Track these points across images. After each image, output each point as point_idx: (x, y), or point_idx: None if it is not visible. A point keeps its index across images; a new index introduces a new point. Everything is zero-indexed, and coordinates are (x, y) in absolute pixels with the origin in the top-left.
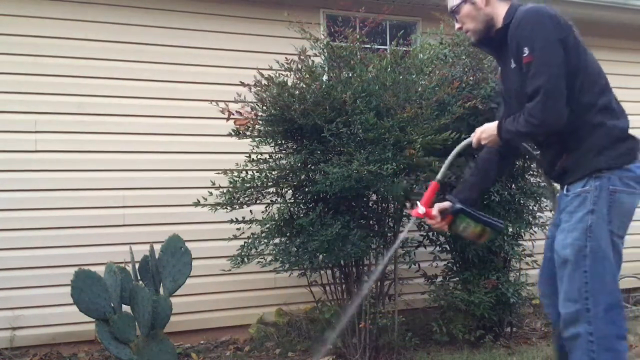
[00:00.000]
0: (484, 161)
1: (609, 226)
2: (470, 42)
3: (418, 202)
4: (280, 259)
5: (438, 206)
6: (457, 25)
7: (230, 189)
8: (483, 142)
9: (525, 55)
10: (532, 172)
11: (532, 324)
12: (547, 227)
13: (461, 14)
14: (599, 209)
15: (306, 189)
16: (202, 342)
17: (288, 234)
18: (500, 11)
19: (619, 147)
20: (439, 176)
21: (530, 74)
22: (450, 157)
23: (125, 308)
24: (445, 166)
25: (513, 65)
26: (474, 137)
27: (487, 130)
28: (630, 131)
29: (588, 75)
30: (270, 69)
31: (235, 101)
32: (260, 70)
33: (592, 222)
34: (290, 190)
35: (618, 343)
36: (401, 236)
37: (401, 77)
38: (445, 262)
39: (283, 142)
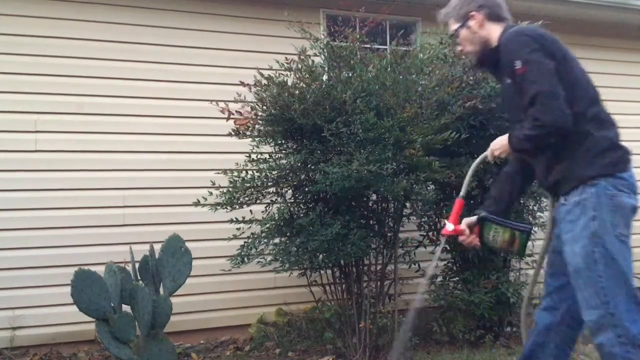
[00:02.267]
0: (505, 175)
1: (613, 229)
2: (472, 65)
3: (446, 221)
4: (280, 258)
5: (465, 221)
6: (459, 47)
7: (230, 189)
8: (496, 154)
9: (517, 67)
10: None
11: (532, 323)
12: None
13: (460, 38)
14: (600, 214)
15: (306, 189)
16: (202, 342)
17: (288, 234)
18: (494, 33)
19: (609, 155)
20: (462, 192)
21: (525, 83)
22: (469, 173)
23: (125, 308)
24: (466, 183)
25: (508, 81)
26: (488, 151)
27: (498, 142)
28: (620, 141)
29: (578, 87)
30: (270, 68)
31: (235, 101)
32: (260, 70)
33: (596, 228)
34: (290, 190)
35: None
36: (433, 264)
37: (401, 77)
38: (445, 262)
39: (283, 141)
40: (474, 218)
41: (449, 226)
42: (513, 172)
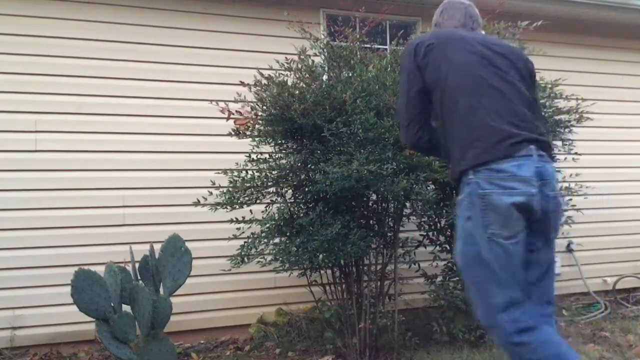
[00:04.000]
0: None
1: (487, 230)
2: None
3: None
4: (280, 258)
5: None
6: None
7: (230, 189)
8: None
9: None
10: None
11: None
12: None
13: None
14: (474, 215)
15: (306, 189)
16: (202, 341)
17: (288, 234)
18: None
19: (481, 143)
20: None
21: None
22: None
23: (125, 308)
24: None
25: None
26: None
27: None
28: (504, 126)
29: (444, 81)
30: (270, 68)
31: (235, 101)
32: (260, 70)
33: (470, 229)
34: (290, 190)
35: (525, 336)
36: None
37: None
38: (445, 262)
39: (283, 141)
40: None
41: None
42: None
